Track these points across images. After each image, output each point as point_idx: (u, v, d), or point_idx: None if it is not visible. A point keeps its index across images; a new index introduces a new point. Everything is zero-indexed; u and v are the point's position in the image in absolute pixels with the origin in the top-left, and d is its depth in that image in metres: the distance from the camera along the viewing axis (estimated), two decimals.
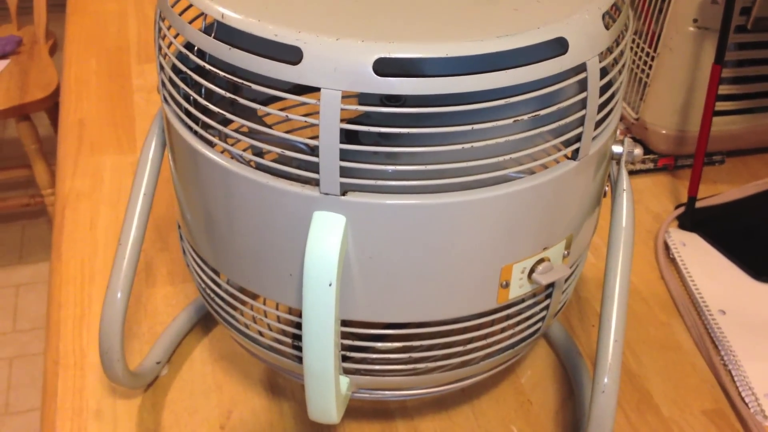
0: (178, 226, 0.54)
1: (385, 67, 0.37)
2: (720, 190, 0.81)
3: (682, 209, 0.76)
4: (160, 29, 0.46)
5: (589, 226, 0.50)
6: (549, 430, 0.57)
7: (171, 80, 0.46)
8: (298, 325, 0.43)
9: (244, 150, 0.44)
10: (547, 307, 0.50)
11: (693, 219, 0.75)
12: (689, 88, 0.78)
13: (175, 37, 0.45)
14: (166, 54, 0.46)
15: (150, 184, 0.52)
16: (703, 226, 0.75)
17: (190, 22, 0.43)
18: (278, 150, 0.41)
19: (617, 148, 0.48)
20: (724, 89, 0.79)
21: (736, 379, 0.61)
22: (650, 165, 0.82)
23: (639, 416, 0.58)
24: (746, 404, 0.59)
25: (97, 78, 0.96)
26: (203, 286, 0.51)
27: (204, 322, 0.64)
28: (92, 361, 0.61)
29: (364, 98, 0.52)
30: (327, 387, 0.43)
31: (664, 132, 0.80)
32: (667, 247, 0.73)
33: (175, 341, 0.62)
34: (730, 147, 0.84)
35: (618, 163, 0.49)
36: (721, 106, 0.79)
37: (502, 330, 0.49)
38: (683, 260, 0.71)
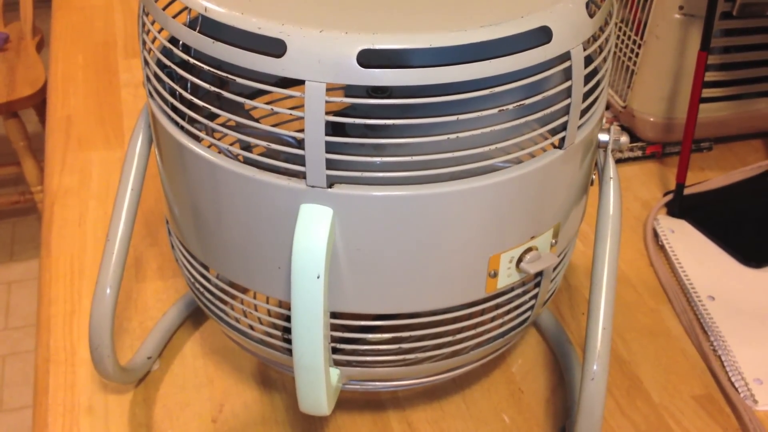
0: (166, 221, 0.54)
1: (369, 59, 0.37)
2: (708, 176, 0.81)
3: (670, 196, 0.77)
4: (143, 24, 0.46)
5: (577, 215, 0.50)
6: (540, 418, 0.57)
7: (156, 75, 0.46)
8: (288, 318, 0.43)
9: (231, 144, 0.44)
10: (536, 296, 0.50)
11: (681, 206, 0.75)
12: (676, 75, 0.78)
13: (159, 31, 0.45)
14: (150, 49, 0.46)
15: (137, 179, 0.52)
16: (692, 212, 0.75)
17: (174, 17, 0.43)
18: (265, 143, 0.41)
19: (603, 136, 0.48)
20: (710, 76, 0.79)
21: (725, 364, 0.61)
22: (638, 153, 0.82)
23: (629, 402, 0.58)
24: (736, 389, 0.59)
25: (84, 73, 0.96)
26: (193, 281, 0.51)
27: (194, 316, 0.64)
28: (83, 357, 0.61)
29: (349, 90, 0.52)
30: (317, 379, 0.43)
31: (651, 119, 0.80)
32: (655, 234, 0.73)
33: (166, 336, 0.62)
34: (717, 134, 0.84)
35: (605, 151, 0.50)
36: (708, 92, 0.80)
37: (492, 319, 0.49)
38: (672, 247, 0.71)
